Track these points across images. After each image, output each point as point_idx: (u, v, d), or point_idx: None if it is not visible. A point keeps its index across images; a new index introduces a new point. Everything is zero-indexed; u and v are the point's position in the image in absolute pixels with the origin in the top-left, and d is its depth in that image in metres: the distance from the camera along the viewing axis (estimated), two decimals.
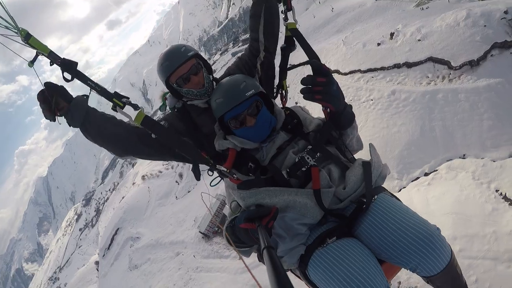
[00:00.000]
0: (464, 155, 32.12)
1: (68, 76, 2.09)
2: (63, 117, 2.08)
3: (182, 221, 62.27)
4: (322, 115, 2.48)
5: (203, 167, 2.57)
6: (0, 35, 1.88)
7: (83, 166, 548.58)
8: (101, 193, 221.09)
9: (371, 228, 1.97)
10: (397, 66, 46.61)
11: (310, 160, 2.24)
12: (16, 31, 1.92)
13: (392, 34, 49.47)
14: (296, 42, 2.68)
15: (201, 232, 52.64)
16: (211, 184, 2.75)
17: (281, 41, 2.91)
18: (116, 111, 2.24)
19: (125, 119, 2.46)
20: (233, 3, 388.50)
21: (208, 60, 2.73)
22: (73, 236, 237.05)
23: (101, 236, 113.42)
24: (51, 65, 2.09)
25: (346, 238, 1.99)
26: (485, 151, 32.91)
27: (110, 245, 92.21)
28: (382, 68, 48.07)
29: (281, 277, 1.11)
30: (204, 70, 2.64)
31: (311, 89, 2.03)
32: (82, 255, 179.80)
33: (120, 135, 2.34)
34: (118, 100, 2.19)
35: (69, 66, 2.06)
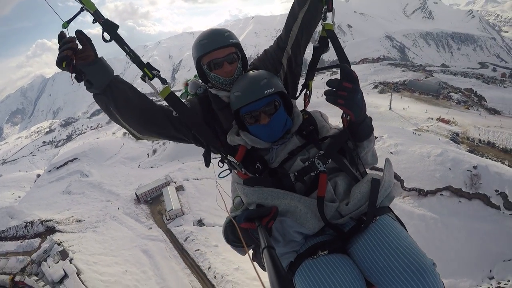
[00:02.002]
0: None
1: (107, 37, 2.06)
2: (82, 71, 1.98)
3: (129, 183, 69.66)
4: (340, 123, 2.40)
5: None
6: None
7: (83, 93, 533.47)
8: (82, 125, 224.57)
9: (364, 248, 1.84)
10: None
11: (321, 166, 2.12)
12: None
13: (375, 138, 58.48)
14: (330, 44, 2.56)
15: (136, 194, 60.54)
16: (220, 176, 2.52)
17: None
18: (144, 80, 2.18)
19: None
20: None
21: None
22: (34, 143, 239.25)
23: (58, 156, 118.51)
24: (93, 22, 2.06)
25: (338, 254, 1.88)
26: None
27: (61, 166, 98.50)
28: None
29: (282, 277, 1.14)
30: (240, 62, 2.48)
31: (335, 93, 1.96)
32: (31, 163, 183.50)
33: (148, 109, 2.27)
34: (148, 71, 2.15)
35: (110, 28, 2.05)
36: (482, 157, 57.28)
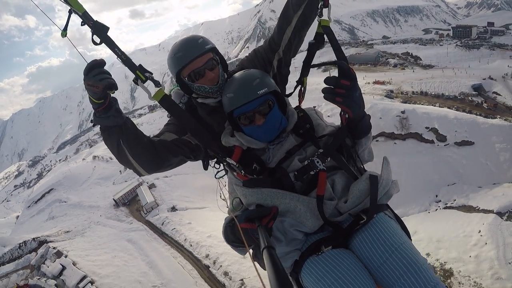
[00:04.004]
0: None
1: (97, 40, 2.04)
2: (101, 104, 1.97)
3: (107, 197, 76.25)
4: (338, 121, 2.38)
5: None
6: None
7: (45, 129, 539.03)
8: (51, 161, 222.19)
9: (362, 246, 1.92)
10: None
11: (320, 165, 2.14)
12: None
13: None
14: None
15: (114, 199, 67.88)
16: (216, 176, 2.62)
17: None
18: (137, 84, 2.16)
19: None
20: (247, 47, 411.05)
21: None
22: (5, 190, 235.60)
23: (33, 191, 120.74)
24: (82, 25, 2.03)
25: (341, 249, 1.96)
26: None
27: (39, 200, 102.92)
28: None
29: (282, 276, 1.15)
30: (220, 66, 2.47)
31: (333, 90, 2.00)
32: (7, 209, 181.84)
33: (152, 142, 2.29)
34: (141, 73, 2.13)
35: (100, 30, 2.03)
36: (415, 104, 64.48)
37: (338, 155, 2.22)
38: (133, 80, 2.18)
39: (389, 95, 72.59)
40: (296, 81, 2.76)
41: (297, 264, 2.04)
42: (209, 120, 2.53)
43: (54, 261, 45.85)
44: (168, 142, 2.37)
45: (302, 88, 2.74)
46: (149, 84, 2.20)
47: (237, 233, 1.86)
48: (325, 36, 2.48)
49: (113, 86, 1.93)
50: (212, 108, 2.55)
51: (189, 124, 2.27)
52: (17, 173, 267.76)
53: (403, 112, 57.89)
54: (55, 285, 40.86)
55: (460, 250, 32.79)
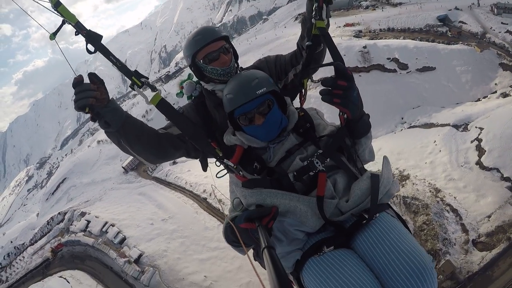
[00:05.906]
0: None
1: (92, 48, 2.12)
2: (100, 113, 2.07)
3: (117, 171, 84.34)
4: (337, 121, 2.44)
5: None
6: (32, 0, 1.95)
7: (45, 130, 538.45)
8: (57, 158, 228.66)
9: (365, 246, 1.94)
10: None
11: (319, 165, 2.20)
12: None
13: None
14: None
15: (122, 167, 78.96)
16: (217, 176, 2.65)
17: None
18: (133, 89, 2.27)
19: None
20: (230, 10, 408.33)
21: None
22: (20, 196, 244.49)
23: (48, 185, 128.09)
24: (76, 34, 2.12)
25: (343, 249, 1.99)
26: None
27: (55, 191, 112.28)
28: None
29: (281, 276, 1.18)
30: (232, 54, 2.66)
31: (330, 92, 2.02)
32: (25, 212, 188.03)
33: (155, 141, 2.38)
34: (137, 79, 2.22)
35: (94, 38, 2.11)
36: (381, 39, 68.66)
37: (337, 156, 2.30)
38: (129, 86, 2.29)
39: (358, 35, 75.12)
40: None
41: (298, 264, 2.10)
42: (214, 114, 2.70)
43: (80, 220, 54.38)
44: (173, 136, 2.49)
45: (303, 90, 2.92)
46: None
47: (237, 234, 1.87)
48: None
49: (85, 107, 1.96)
50: (220, 101, 2.60)
51: (187, 127, 2.39)
52: (27, 178, 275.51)
53: (364, 47, 62.37)
54: (83, 235, 49.98)
55: (417, 158, 36.51)
